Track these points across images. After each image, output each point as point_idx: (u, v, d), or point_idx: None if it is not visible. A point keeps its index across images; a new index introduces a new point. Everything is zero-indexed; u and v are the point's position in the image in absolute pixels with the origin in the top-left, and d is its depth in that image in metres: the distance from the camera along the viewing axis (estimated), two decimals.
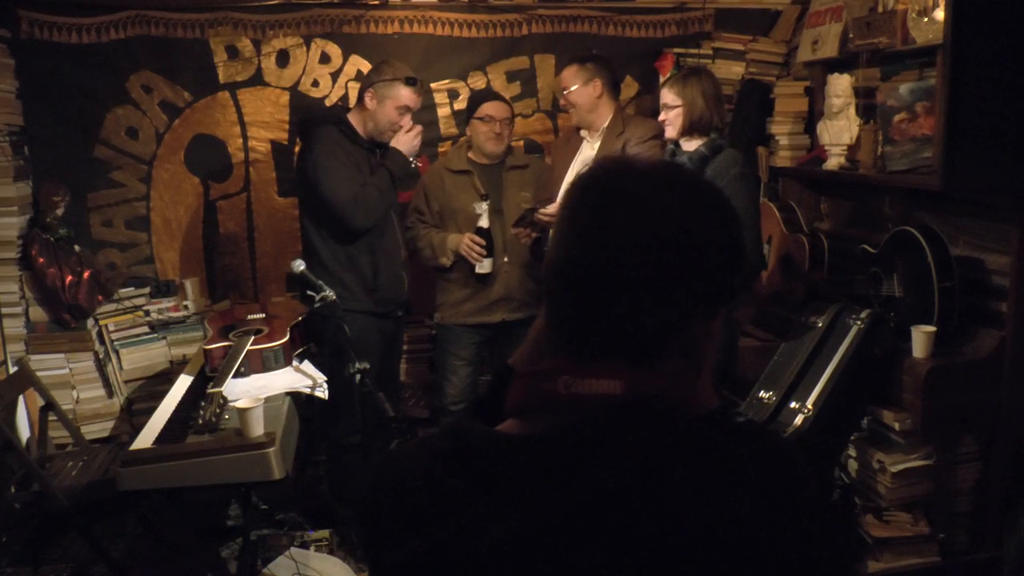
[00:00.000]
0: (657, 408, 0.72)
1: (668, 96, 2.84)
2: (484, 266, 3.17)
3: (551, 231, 2.82)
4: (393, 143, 3.03)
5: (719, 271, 0.76)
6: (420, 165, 3.59)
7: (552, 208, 2.99)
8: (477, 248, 3.15)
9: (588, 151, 3.21)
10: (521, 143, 3.74)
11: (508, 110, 3.24)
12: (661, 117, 2.89)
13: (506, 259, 3.26)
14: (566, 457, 0.69)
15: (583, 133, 3.23)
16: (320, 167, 2.89)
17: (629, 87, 3.77)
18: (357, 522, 0.79)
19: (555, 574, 0.67)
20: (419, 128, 3.07)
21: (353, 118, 3.01)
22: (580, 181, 0.78)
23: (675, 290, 0.74)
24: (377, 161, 3.06)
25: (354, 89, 3.47)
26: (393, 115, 2.98)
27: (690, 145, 2.84)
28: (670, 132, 2.87)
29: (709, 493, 0.68)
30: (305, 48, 3.56)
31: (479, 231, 3.16)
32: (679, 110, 2.81)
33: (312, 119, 3.09)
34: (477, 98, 3.29)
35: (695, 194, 0.77)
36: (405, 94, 2.98)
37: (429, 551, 0.70)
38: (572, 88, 3.10)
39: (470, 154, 3.29)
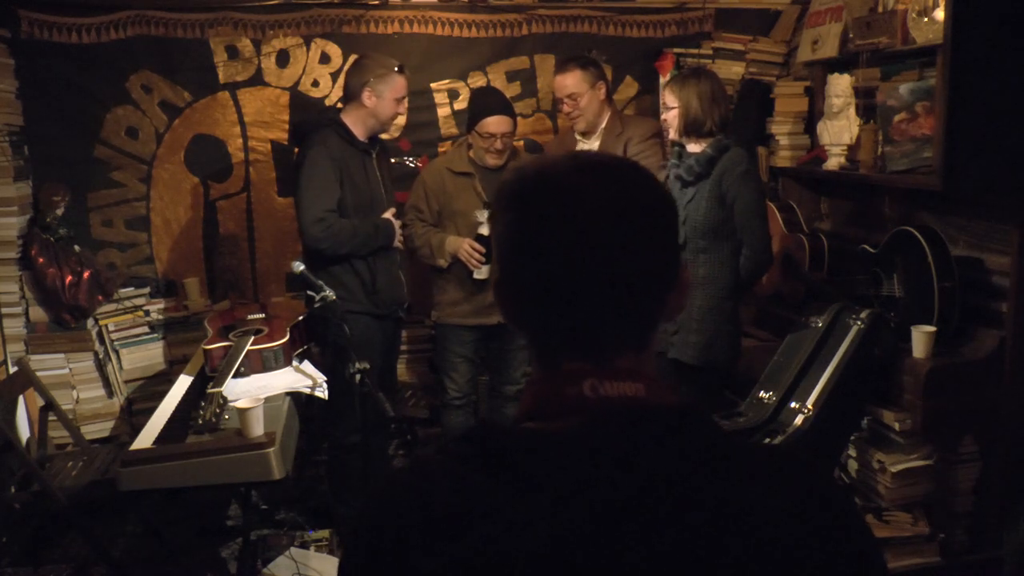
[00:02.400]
0: (688, 407, 0.74)
1: (668, 97, 2.84)
2: (482, 272, 3.18)
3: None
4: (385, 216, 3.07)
5: (665, 226, 0.78)
6: (420, 165, 3.60)
7: None
8: (477, 256, 3.15)
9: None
10: (521, 143, 3.74)
11: (509, 123, 3.16)
12: (662, 117, 2.90)
13: None
14: (615, 454, 0.69)
15: (578, 136, 3.23)
16: (303, 176, 2.90)
17: (629, 87, 3.77)
18: (362, 533, 0.71)
19: (604, 571, 0.66)
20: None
21: (348, 118, 3.00)
22: (506, 196, 0.78)
23: (660, 279, 0.77)
24: (372, 164, 3.06)
25: None
26: (394, 107, 3.00)
27: (696, 147, 2.83)
28: (672, 133, 2.87)
29: (756, 489, 0.70)
30: (305, 48, 3.56)
31: (479, 238, 3.16)
32: (675, 111, 2.82)
33: (308, 124, 3.09)
34: (478, 108, 3.21)
35: (609, 167, 0.78)
36: (400, 83, 3.00)
37: (464, 556, 0.67)
38: (580, 93, 3.09)
39: (471, 154, 3.28)
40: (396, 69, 2.98)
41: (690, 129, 2.79)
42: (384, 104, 2.97)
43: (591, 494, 0.67)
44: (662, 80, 3.59)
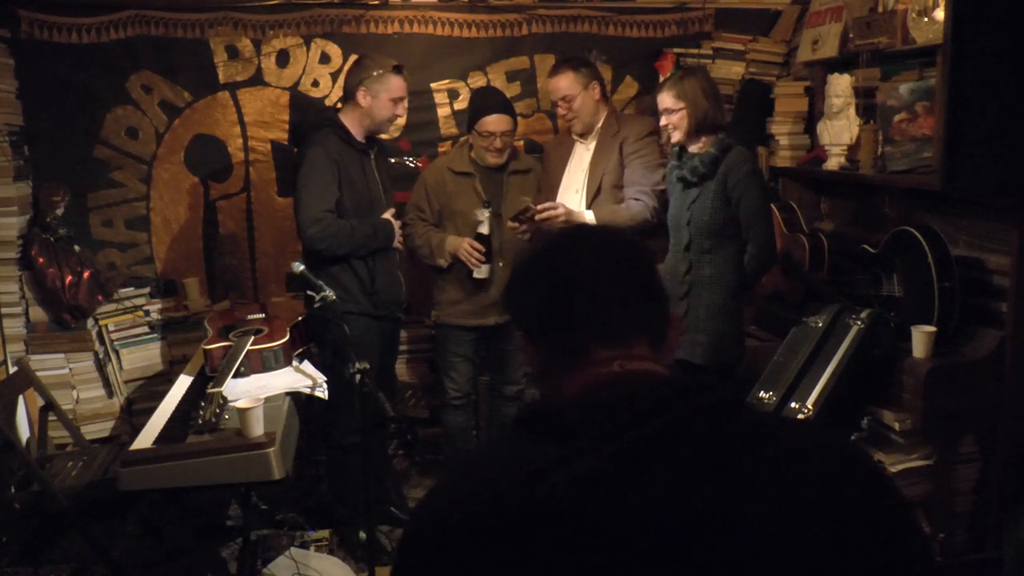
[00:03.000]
0: (703, 376, 0.92)
1: (667, 100, 2.80)
2: (482, 272, 3.18)
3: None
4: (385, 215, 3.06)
5: (647, 266, 1.04)
6: (420, 165, 3.60)
7: (548, 205, 2.98)
8: (476, 255, 3.15)
9: (583, 153, 3.20)
10: (521, 143, 3.74)
11: (509, 122, 3.18)
12: (663, 122, 2.84)
13: (501, 264, 3.26)
14: (648, 403, 0.84)
15: (575, 136, 3.22)
16: (301, 176, 2.90)
17: (629, 87, 3.77)
18: (442, 526, 0.83)
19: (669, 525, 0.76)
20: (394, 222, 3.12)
21: (346, 118, 3.00)
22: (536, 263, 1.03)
23: (651, 299, 1.00)
24: (371, 164, 3.06)
25: None
26: (389, 107, 2.98)
27: (697, 147, 2.82)
28: (676, 136, 2.82)
29: (775, 442, 0.84)
30: (305, 48, 3.56)
31: (479, 237, 3.16)
32: (682, 112, 2.78)
33: (306, 124, 3.09)
34: (478, 107, 3.22)
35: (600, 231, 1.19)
36: (396, 83, 2.98)
37: (556, 503, 0.76)
38: (574, 95, 3.08)
39: (472, 154, 3.29)
40: (392, 69, 2.97)
41: (700, 127, 2.77)
42: (379, 104, 2.96)
43: (636, 435, 0.80)
44: (661, 80, 3.59)
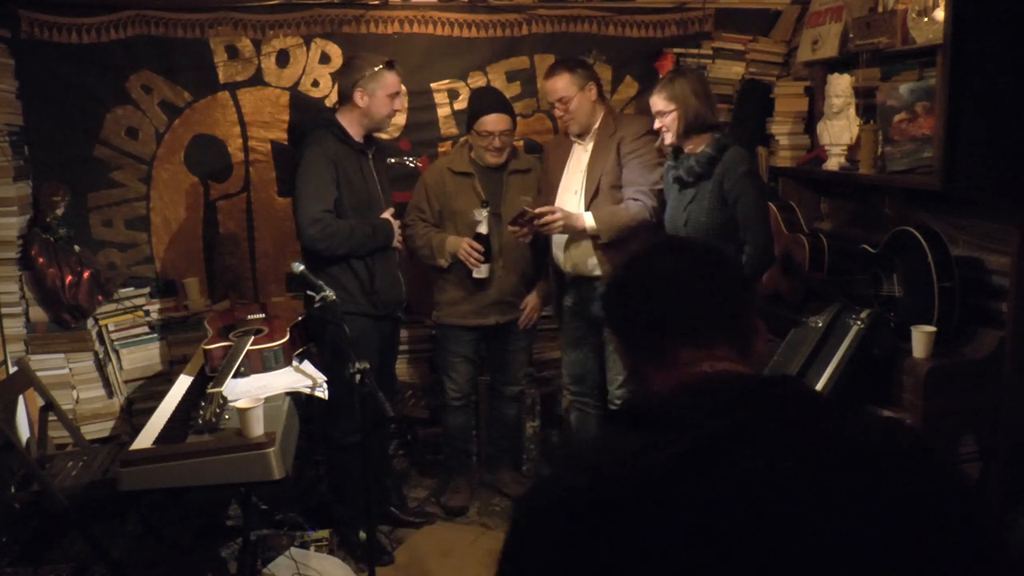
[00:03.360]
0: (782, 376, 0.99)
1: (659, 103, 2.82)
2: (481, 271, 3.19)
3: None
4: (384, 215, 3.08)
5: (738, 280, 1.13)
6: (420, 165, 3.60)
7: (546, 209, 2.99)
8: (475, 254, 3.16)
9: (581, 154, 3.19)
10: (521, 143, 3.74)
11: (507, 121, 3.20)
12: (657, 125, 2.86)
13: (500, 264, 3.27)
14: (746, 398, 0.90)
15: (573, 137, 3.22)
16: (300, 177, 2.90)
17: (629, 87, 3.77)
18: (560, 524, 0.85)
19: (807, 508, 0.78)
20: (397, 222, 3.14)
21: (343, 119, 3.00)
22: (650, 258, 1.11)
23: (732, 304, 1.07)
24: (369, 164, 3.06)
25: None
26: (387, 104, 2.99)
27: (693, 147, 2.83)
28: (668, 139, 2.84)
29: (848, 427, 0.88)
30: (305, 48, 3.56)
31: (478, 237, 3.16)
32: (674, 114, 2.80)
33: (305, 125, 3.10)
34: (476, 107, 3.24)
35: (695, 244, 1.20)
36: (391, 79, 2.98)
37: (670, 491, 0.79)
38: (570, 96, 3.07)
39: (472, 155, 3.29)
40: (384, 65, 2.97)
41: (692, 128, 2.79)
42: (377, 102, 2.96)
43: (725, 423, 0.84)
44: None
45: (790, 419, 0.86)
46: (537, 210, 2.99)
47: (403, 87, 3.46)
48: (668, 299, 1.04)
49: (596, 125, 3.15)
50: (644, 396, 1.03)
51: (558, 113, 3.17)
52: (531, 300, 3.39)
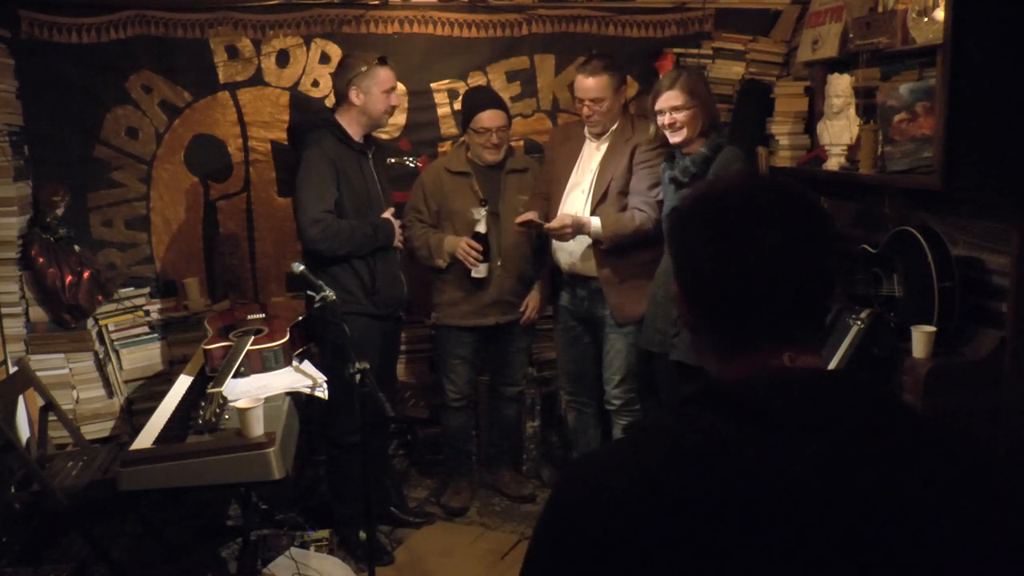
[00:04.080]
0: (860, 373, 0.93)
1: (677, 97, 2.79)
2: (480, 271, 3.19)
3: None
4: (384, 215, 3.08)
5: (837, 250, 0.99)
6: (420, 165, 3.60)
7: (557, 223, 2.99)
8: (474, 253, 3.16)
9: (593, 152, 3.18)
10: (521, 143, 3.75)
11: (503, 117, 3.21)
12: (667, 121, 2.82)
13: (499, 263, 3.27)
14: (829, 399, 0.83)
15: (587, 135, 3.21)
16: (300, 177, 2.91)
17: (629, 87, 3.75)
18: (585, 525, 0.77)
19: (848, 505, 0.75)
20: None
21: (342, 119, 3.01)
22: (697, 216, 0.93)
23: (831, 279, 0.93)
24: (369, 164, 3.06)
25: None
26: (383, 100, 2.99)
27: (690, 148, 2.84)
28: (685, 133, 2.80)
29: (939, 439, 0.84)
30: (305, 48, 3.56)
31: (476, 236, 3.17)
32: (693, 110, 2.78)
33: (304, 125, 3.10)
34: (471, 105, 3.24)
35: (796, 199, 0.94)
36: (385, 75, 2.98)
37: (729, 484, 0.75)
38: (604, 97, 3.04)
39: (469, 155, 3.29)
40: (377, 62, 2.97)
41: (710, 127, 2.81)
42: (373, 99, 2.96)
43: (818, 433, 0.78)
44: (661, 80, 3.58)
45: (886, 436, 0.80)
46: (548, 224, 3.00)
47: (401, 85, 3.49)
48: (770, 286, 0.88)
49: (614, 127, 3.15)
50: (722, 381, 0.92)
51: (586, 112, 3.09)
52: (532, 299, 3.39)
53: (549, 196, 3.24)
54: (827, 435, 0.78)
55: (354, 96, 2.96)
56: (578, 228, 3.01)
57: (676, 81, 2.83)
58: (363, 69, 2.95)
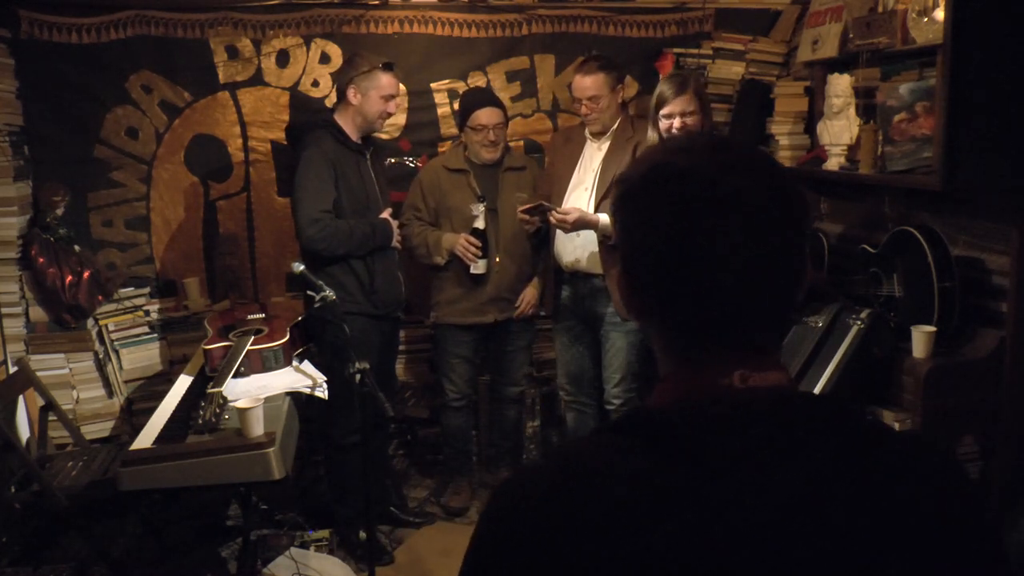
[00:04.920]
0: (831, 397, 0.81)
1: (690, 103, 2.82)
2: (479, 267, 3.19)
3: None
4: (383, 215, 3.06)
5: (807, 228, 0.81)
6: (419, 165, 3.60)
7: (564, 211, 2.99)
8: (473, 249, 3.16)
9: (595, 152, 3.18)
10: (521, 143, 3.75)
11: (500, 115, 3.21)
12: (678, 125, 2.83)
13: (498, 259, 3.27)
14: (783, 440, 0.71)
15: (590, 135, 3.21)
16: (298, 177, 2.91)
17: (629, 87, 3.75)
18: (509, 531, 0.73)
19: (788, 559, 0.67)
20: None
21: (340, 118, 3.01)
22: (670, 194, 0.77)
23: (801, 272, 0.79)
24: (367, 164, 3.06)
25: None
26: (379, 105, 2.98)
27: None
28: None
29: (909, 473, 0.74)
30: (305, 48, 3.56)
31: (475, 232, 3.17)
32: (700, 116, 2.83)
33: (303, 125, 3.10)
34: (468, 103, 3.25)
35: (760, 168, 0.79)
36: (386, 81, 2.97)
37: (655, 548, 0.66)
38: (601, 95, 3.05)
39: (467, 153, 3.29)
40: (381, 66, 2.97)
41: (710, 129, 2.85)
42: (369, 102, 2.96)
43: (759, 479, 0.68)
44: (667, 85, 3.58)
45: (846, 480, 0.70)
46: (557, 210, 2.99)
47: (401, 85, 3.48)
48: (733, 281, 0.74)
49: (614, 127, 3.15)
50: (655, 410, 0.79)
51: (584, 111, 3.11)
52: (527, 293, 3.37)
53: (550, 197, 3.24)
54: (776, 485, 0.69)
55: (351, 95, 2.96)
56: (583, 223, 3.01)
57: (686, 86, 2.85)
58: (365, 70, 2.95)
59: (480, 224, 3.17)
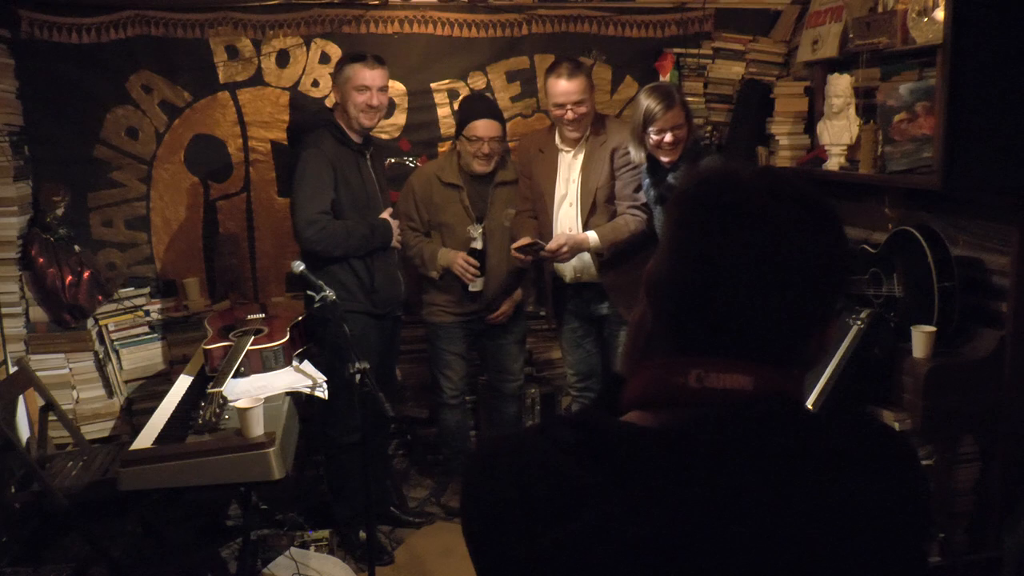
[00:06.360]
0: (790, 404, 0.76)
1: (679, 115, 2.83)
2: (476, 285, 3.22)
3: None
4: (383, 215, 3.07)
5: (835, 281, 0.79)
6: (419, 165, 3.60)
7: (554, 245, 2.99)
8: (472, 270, 3.17)
9: (571, 162, 3.16)
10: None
11: (498, 128, 3.16)
12: (669, 140, 2.82)
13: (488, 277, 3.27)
14: (710, 450, 0.71)
15: (560, 143, 3.17)
16: (297, 177, 2.91)
17: (629, 87, 3.77)
18: (465, 512, 0.80)
19: (702, 569, 0.67)
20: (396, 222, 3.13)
21: (340, 119, 3.02)
22: (689, 196, 0.80)
23: (799, 302, 0.76)
24: (367, 164, 3.06)
25: None
26: (356, 97, 2.94)
27: (669, 159, 2.89)
28: (678, 153, 2.85)
29: (846, 488, 0.71)
30: (305, 48, 3.56)
31: (473, 252, 3.17)
32: (688, 127, 2.86)
33: (303, 125, 3.10)
34: (467, 112, 3.22)
35: (804, 205, 0.78)
36: (356, 71, 2.94)
37: (566, 545, 0.68)
38: (586, 100, 3.03)
39: (461, 162, 3.27)
40: (351, 58, 2.96)
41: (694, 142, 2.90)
42: (347, 96, 2.96)
43: (695, 490, 0.68)
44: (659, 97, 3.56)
45: (774, 492, 0.69)
46: (547, 247, 3.00)
47: (401, 85, 3.49)
48: (720, 285, 0.75)
49: (587, 131, 3.14)
50: (618, 397, 0.81)
51: (569, 116, 3.03)
52: (504, 305, 3.37)
53: (536, 213, 3.24)
54: (691, 488, 0.68)
55: (335, 95, 2.98)
56: (576, 247, 3.02)
57: (673, 100, 2.83)
58: (340, 66, 2.97)
59: (478, 245, 3.18)
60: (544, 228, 3.18)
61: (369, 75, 2.95)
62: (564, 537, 0.68)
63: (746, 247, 0.74)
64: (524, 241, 3.04)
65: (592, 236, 3.03)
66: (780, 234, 0.75)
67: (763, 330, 0.76)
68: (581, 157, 3.13)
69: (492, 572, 0.75)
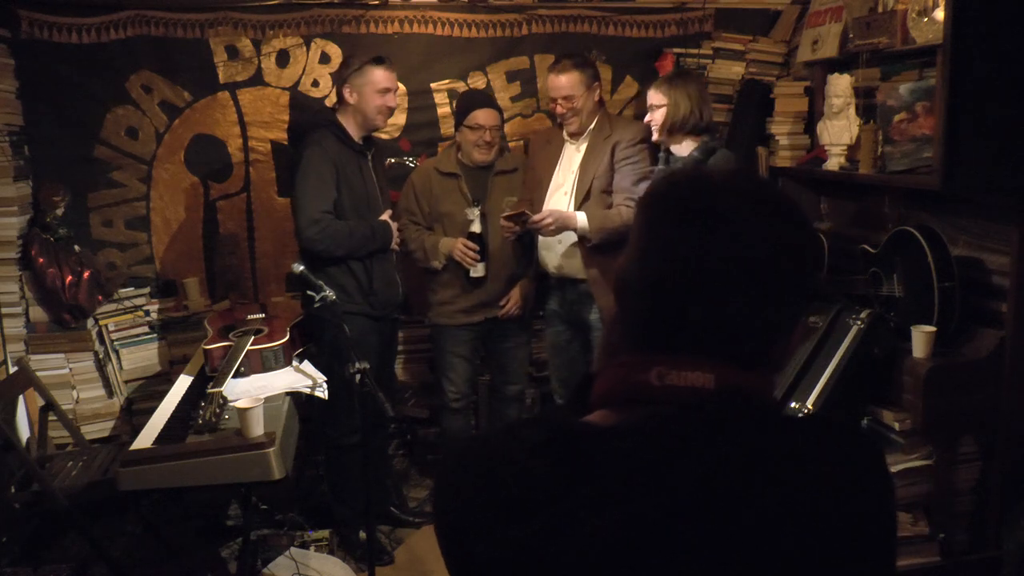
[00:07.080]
0: (751, 403, 0.76)
1: (655, 96, 2.93)
2: (478, 270, 3.20)
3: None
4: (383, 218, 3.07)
5: (801, 283, 0.80)
6: (419, 164, 3.60)
7: (540, 216, 2.98)
8: (471, 253, 3.16)
9: (573, 153, 3.18)
10: (521, 143, 3.75)
11: (497, 117, 3.20)
12: (647, 118, 2.95)
13: (489, 266, 3.26)
14: (665, 448, 0.72)
15: (567, 136, 3.20)
16: (299, 177, 2.91)
17: (629, 87, 3.77)
18: (436, 510, 0.80)
19: (655, 566, 0.68)
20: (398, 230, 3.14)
21: (343, 119, 3.01)
22: (659, 196, 0.83)
23: (764, 302, 0.78)
24: (368, 165, 3.06)
25: None
26: (376, 100, 2.97)
27: (682, 149, 2.91)
28: (656, 135, 2.96)
29: (805, 486, 0.72)
30: (305, 48, 3.56)
31: (471, 236, 3.16)
32: (663, 110, 2.90)
33: (305, 125, 3.10)
34: (467, 102, 3.24)
35: (770, 207, 0.80)
36: (379, 75, 2.96)
37: (525, 542, 0.70)
38: (576, 95, 3.05)
39: (459, 155, 3.28)
40: (372, 61, 2.96)
41: (675, 128, 2.92)
42: (364, 99, 2.96)
43: (652, 487, 0.69)
44: None
45: (731, 490, 0.70)
46: (534, 217, 2.99)
47: (401, 85, 3.48)
48: (691, 288, 0.76)
49: (591, 126, 3.15)
50: (588, 396, 0.83)
51: (559, 110, 3.10)
52: (512, 294, 3.34)
53: (532, 201, 3.24)
54: (648, 488, 0.69)
55: (347, 94, 2.96)
56: (563, 223, 3.00)
57: (660, 81, 2.99)
58: (356, 67, 2.95)
59: (477, 228, 3.17)
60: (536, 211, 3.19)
61: (389, 78, 3.00)
62: (527, 535, 0.69)
63: (711, 247, 0.76)
64: (514, 210, 3.05)
65: (580, 216, 3.02)
66: (745, 235, 0.77)
67: (727, 329, 0.77)
68: (584, 148, 3.15)
69: (461, 569, 0.76)
